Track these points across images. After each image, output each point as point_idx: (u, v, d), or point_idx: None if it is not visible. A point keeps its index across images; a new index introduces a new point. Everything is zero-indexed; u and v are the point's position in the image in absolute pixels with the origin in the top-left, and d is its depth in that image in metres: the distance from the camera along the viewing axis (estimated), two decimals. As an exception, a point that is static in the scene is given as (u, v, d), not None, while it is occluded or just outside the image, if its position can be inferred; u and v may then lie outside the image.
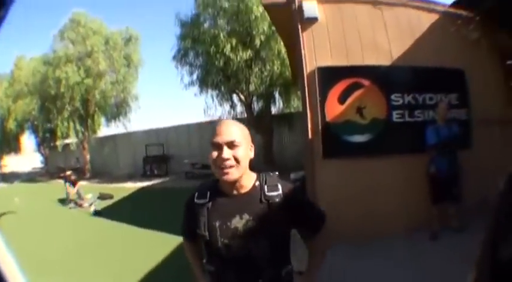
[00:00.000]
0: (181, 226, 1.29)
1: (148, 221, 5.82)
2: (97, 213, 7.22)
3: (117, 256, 4.46)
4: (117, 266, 4.04)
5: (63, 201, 8.73)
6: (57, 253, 4.63)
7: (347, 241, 3.12)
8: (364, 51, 3.67)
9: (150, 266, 3.81)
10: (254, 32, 9.16)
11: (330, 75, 3.57)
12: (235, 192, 1.12)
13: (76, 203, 8.46)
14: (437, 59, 3.73)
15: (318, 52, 3.63)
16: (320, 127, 3.49)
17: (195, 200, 1.16)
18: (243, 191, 1.12)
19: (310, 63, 3.61)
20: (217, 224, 1.11)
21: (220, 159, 1.05)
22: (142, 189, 10.67)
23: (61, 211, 8.15)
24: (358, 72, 3.60)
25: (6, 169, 20.01)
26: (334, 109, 3.53)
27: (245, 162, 1.09)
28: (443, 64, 3.72)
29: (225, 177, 1.06)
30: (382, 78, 3.63)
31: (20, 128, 15.85)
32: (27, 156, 20.58)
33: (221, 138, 1.06)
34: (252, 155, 1.14)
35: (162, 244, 4.57)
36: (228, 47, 9.11)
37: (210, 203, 1.13)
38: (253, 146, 1.16)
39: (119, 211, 7.47)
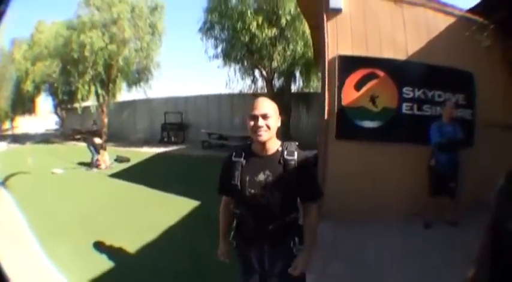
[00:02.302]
0: (218, 182, 1.61)
1: (164, 185, 5.97)
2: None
3: (133, 216, 4.60)
4: (132, 226, 4.18)
5: (84, 165, 8.72)
6: (73, 213, 4.75)
7: (348, 216, 3.37)
8: (382, 45, 3.86)
9: (164, 227, 3.99)
10: (280, 12, 9.39)
11: (349, 64, 3.80)
12: (263, 153, 1.47)
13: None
14: (449, 59, 3.88)
15: (340, 41, 3.84)
16: (336, 110, 3.75)
17: (233, 158, 1.51)
18: (269, 152, 1.47)
19: (332, 50, 3.82)
20: (247, 177, 1.45)
21: (256, 127, 1.40)
22: (159, 154, 10.79)
23: (77, 172, 8.27)
24: (375, 63, 3.81)
25: (19, 130, 19.75)
26: (350, 95, 3.78)
27: (274, 129, 1.44)
28: (454, 65, 3.87)
29: (259, 139, 1.41)
30: (397, 71, 3.82)
31: (37, 90, 15.76)
32: (42, 118, 20.29)
33: (257, 111, 1.40)
34: (279, 123, 1.47)
35: (176, 207, 4.73)
36: (254, 23, 9.36)
37: (244, 161, 1.48)
38: (280, 117, 1.49)
39: (136, 174, 7.67)
